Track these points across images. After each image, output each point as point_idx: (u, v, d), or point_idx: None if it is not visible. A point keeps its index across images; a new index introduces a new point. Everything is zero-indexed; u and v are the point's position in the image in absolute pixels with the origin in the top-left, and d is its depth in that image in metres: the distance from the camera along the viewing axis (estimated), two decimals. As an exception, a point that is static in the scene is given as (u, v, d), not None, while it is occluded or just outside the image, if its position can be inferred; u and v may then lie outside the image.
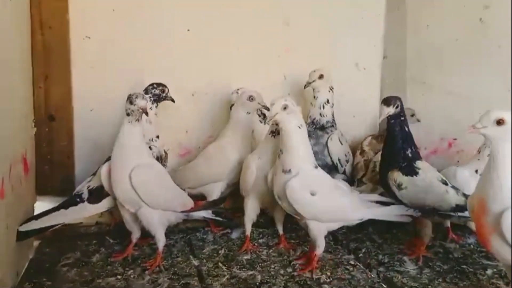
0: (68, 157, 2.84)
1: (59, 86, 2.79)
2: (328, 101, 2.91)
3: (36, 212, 2.59)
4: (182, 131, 3.05)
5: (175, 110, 2.92)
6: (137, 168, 2.20)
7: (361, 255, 2.46)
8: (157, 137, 2.64)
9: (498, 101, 2.69)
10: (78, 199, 2.42)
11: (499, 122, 1.66)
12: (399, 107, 2.32)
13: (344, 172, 2.95)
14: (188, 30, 3.04)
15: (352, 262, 2.38)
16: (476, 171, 2.48)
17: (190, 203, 2.41)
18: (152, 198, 2.25)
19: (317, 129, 2.90)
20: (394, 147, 2.35)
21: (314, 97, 2.94)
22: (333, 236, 2.70)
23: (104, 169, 2.29)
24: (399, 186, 2.31)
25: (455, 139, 2.97)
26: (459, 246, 2.54)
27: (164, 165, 2.64)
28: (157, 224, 2.28)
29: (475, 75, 2.85)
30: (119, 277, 2.17)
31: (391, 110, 2.30)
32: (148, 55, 2.97)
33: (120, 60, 2.92)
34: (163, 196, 2.31)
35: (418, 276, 2.21)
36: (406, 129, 2.36)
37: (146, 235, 2.40)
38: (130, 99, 2.21)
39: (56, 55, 2.78)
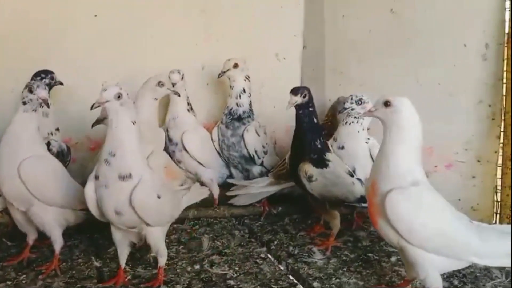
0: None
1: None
2: (244, 90, 2.86)
3: None
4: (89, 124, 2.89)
5: (83, 102, 2.74)
6: (26, 161, 2.02)
7: (273, 247, 2.43)
8: (57, 129, 2.48)
9: (409, 92, 2.73)
10: None
11: (387, 104, 1.74)
12: (307, 97, 2.29)
13: (262, 164, 2.92)
14: (96, 16, 2.88)
15: (262, 255, 2.34)
16: None
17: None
18: (45, 193, 2.09)
19: (234, 120, 2.85)
20: (303, 138, 2.33)
21: (230, 86, 2.89)
22: (249, 229, 2.67)
23: None
24: (310, 178, 2.29)
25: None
26: (368, 234, 2.56)
27: (67, 161, 2.49)
28: (52, 223, 2.12)
29: (387, 66, 2.88)
30: (9, 283, 2.01)
31: (298, 99, 2.26)
32: (51, 44, 2.81)
33: (21, 49, 2.73)
34: (58, 191, 2.14)
35: (325, 266, 2.21)
36: (315, 120, 2.34)
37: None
38: (29, 88, 2.06)
39: None
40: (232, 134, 2.83)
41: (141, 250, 2.25)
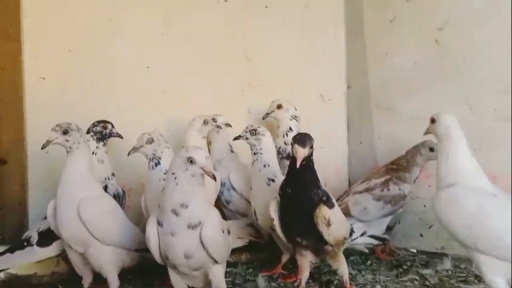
0: (20, 203, 2.69)
1: (11, 129, 2.70)
2: (291, 129, 2.87)
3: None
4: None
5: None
6: (85, 200, 2.05)
7: (332, 286, 2.29)
8: (113, 174, 2.53)
9: (462, 121, 2.64)
10: (25, 243, 2.27)
11: (433, 121, 2.05)
12: (312, 146, 2.03)
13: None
14: (148, 67, 3.01)
15: (322, 295, 2.22)
16: None
17: (141, 239, 2.22)
18: (104, 232, 2.09)
19: (283, 158, 2.82)
20: (309, 187, 2.06)
21: (277, 127, 2.90)
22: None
23: (50, 206, 2.14)
24: (329, 222, 2.03)
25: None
26: (435, 272, 2.41)
27: (122, 204, 2.51)
28: (109, 263, 2.11)
29: (436, 96, 2.82)
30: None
31: (306, 152, 1.99)
32: (105, 94, 2.91)
33: (76, 101, 2.85)
34: (116, 231, 2.15)
35: (392, 304, 2.06)
36: (313, 165, 2.08)
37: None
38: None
39: (8, 97, 2.71)
40: (283, 172, 2.79)
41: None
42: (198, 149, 1.86)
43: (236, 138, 2.50)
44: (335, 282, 2.35)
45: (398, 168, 2.74)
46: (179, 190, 1.81)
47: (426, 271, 2.44)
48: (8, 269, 2.23)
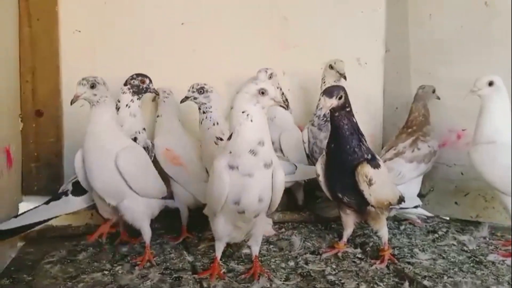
0: (56, 155, 2.70)
1: (47, 81, 2.68)
2: None
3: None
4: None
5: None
6: (123, 151, 2.03)
7: (368, 248, 2.28)
8: (144, 129, 2.49)
9: (508, 88, 2.54)
10: (62, 195, 2.28)
11: (491, 84, 2.21)
12: (343, 98, 2.03)
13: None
14: (182, 24, 2.95)
15: (359, 256, 2.20)
16: None
17: (166, 189, 2.31)
18: (141, 184, 2.09)
19: (328, 122, 2.73)
20: (349, 140, 2.04)
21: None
22: (337, 233, 2.53)
23: (77, 158, 2.09)
24: (370, 182, 2.00)
25: (464, 130, 2.81)
26: (474, 239, 2.36)
27: (151, 156, 2.49)
28: (143, 215, 2.12)
29: (483, 62, 2.70)
30: (106, 272, 2.00)
31: (334, 102, 2.00)
32: (139, 49, 2.87)
33: (111, 54, 2.82)
34: (150, 181, 2.16)
35: (432, 266, 2.04)
36: (354, 120, 2.08)
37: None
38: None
39: (44, 49, 2.68)
40: (326, 136, 2.72)
41: (233, 247, 2.18)
42: (266, 81, 1.81)
43: (183, 100, 2.38)
44: (370, 244, 2.33)
45: (419, 126, 2.68)
46: (255, 127, 1.74)
47: (463, 237, 2.40)
48: (46, 220, 2.22)
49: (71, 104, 2.10)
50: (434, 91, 2.76)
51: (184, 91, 2.45)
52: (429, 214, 2.53)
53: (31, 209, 2.26)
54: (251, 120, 1.74)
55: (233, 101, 1.83)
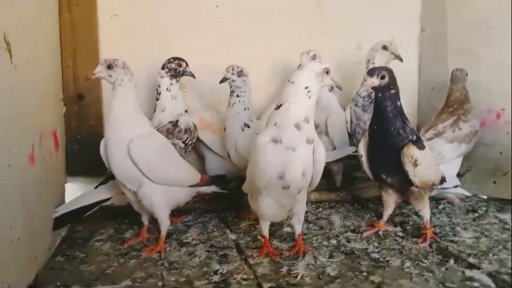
0: (97, 137, 2.75)
1: (87, 65, 2.73)
2: None
3: (67, 194, 2.54)
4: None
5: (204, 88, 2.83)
6: (136, 139, 2.00)
7: (408, 227, 2.30)
8: (186, 111, 2.53)
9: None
10: (109, 179, 2.33)
11: None
12: (386, 78, 2.02)
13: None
14: (217, 6, 2.96)
15: (400, 234, 2.22)
16: None
17: (197, 177, 2.24)
18: (156, 171, 2.04)
19: (372, 103, 2.70)
20: (393, 122, 2.04)
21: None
22: (375, 212, 2.55)
23: (101, 144, 2.10)
24: (415, 163, 2.00)
25: (503, 109, 2.76)
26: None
27: (193, 137, 2.52)
28: (161, 203, 2.08)
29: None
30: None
31: (375, 81, 2.01)
32: (176, 33, 2.91)
33: (148, 38, 2.87)
34: (168, 169, 2.11)
35: (475, 244, 2.04)
36: (399, 103, 2.06)
37: (179, 212, 2.29)
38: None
39: (83, 33, 2.75)
40: (370, 117, 2.69)
41: (274, 225, 2.22)
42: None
43: (222, 81, 2.38)
44: (410, 223, 2.35)
45: (460, 104, 2.65)
46: (308, 104, 1.80)
47: (504, 216, 2.40)
48: (98, 204, 2.29)
49: (85, 80, 2.12)
50: (467, 75, 2.71)
51: (217, 74, 2.46)
52: (468, 194, 2.53)
53: (82, 194, 2.34)
54: (309, 97, 1.79)
55: (293, 75, 1.85)
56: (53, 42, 2.56)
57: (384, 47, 2.71)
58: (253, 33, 3.03)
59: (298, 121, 1.79)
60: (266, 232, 2.00)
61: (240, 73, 2.36)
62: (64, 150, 2.64)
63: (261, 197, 1.90)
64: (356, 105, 2.77)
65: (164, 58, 2.61)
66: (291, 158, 1.79)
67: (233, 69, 2.36)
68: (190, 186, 2.23)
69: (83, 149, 2.75)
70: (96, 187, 2.37)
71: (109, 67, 2.04)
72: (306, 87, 1.79)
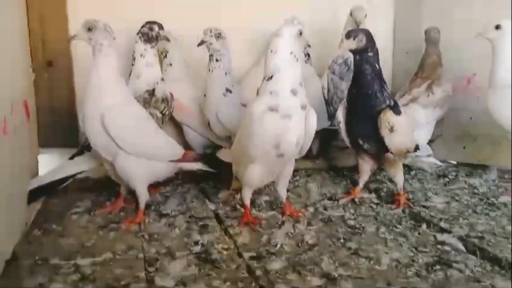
0: (69, 106, 2.70)
1: (56, 30, 2.63)
2: None
3: (40, 165, 2.49)
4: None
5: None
6: (110, 108, 1.94)
7: (382, 193, 2.36)
8: (162, 79, 2.46)
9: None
10: (85, 150, 2.28)
11: (497, 27, 2.21)
12: (363, 41, 2.00)
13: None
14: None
15: (375, 201, 2.29)
16: None
17: (180, 153, 2.19)
18: (130, 143, 1.99)
19: (349, 70, 2.67)
20: (371, 85, 2.04)
21: None
22: (351, 180, 2.60)
23: (80, 114, 2.06)
24: (392, 129, 2.02)
25: (474, 74, 2.82)
26: (484, 181, 2.48)
27: (170, 107, 2.49)
28: (137, 175, 2.03)
29: (500, 4, 2.65)
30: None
31: (351, 44, 2.00)
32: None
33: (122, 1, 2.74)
34: (144, 141, 2.05)
35: (446, 209, 2.12)
36: (377, 66, 2.06)
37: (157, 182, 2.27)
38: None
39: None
40: (348, 86, 2.68)
41: (253, 194, 2.22)
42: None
43: (200, 44, 2.33)
44: (384, 189, 2.41)
45: (433, 69, 2.69)
46: (299, 67, 1.83)
47: (473, 181, 2.49)
48: (73, 176, 2.25)
49: (68, 41, 2.06)
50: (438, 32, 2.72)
51: (194, 37, 2.40)
52: (440, 163, 2.59)
53: (57, 167, 2.28)
54: (297, 60, 1.81)
55: (272, 43, 1.83)
56: (18, 5, 2.44)
57: (351, 13, 2.70)
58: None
59: (294, 86, 1.81)
60: (248, 201, 2.02)
61: (219, 36, 2.31)
62: (36, 120, 2.56)
63: (252, 165, 1.91)
64: (333, 73, 2.76)
65: (138, 22, 2.53)
66: (287, 127, 1.82)
67: (210, 31, 2.31)
68: (173, 161, 2.18)
69: (55, 120, 2.67)
70: (71, 158, 2.31)
71: (89, 29, 1.96)
72: (291, 52, 1.80)
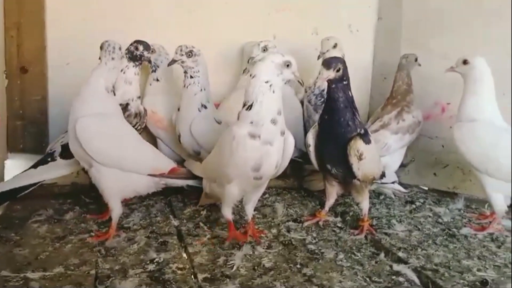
0: (41, 113, 2.69)
1: (32, 36, 2.62)
2: None
3: (7, 171, 2.47)
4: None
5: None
6: (84, 118, 1.96)
7: (348, 218, 2.37)
8: (138, 97, 2.46)
9: (498, 64, 2.54)
10: (49, 158, 2.27)
11: (465, 62, 2.29)
12: (340, 71, 2.03)
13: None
14: (174, -18, 2.87)
15: (339, 225, 2.29)
16: None
17: (164, 168, 2.13)
18: (102, 154, 1.97)
19: (324, 103, 2.67)
20: (343, 113, 2.06)
21: None
22: (320, 201, 2.61)
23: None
24: (361, 157, 2.04)
25: (448, 103, 2.85)
26: (449, 211, 2.49)
27: (143, 122, 2.49)
28: (109, 187, 2.00)
29: (476, 37, 2.70)
30: (93, 234, 2.05)
31: (331, 74, 2.02)
32: (131, 9, 2.81)
33: (100, 10, 2.75)
34: (120, 153, 2.02)
35: (407, 238, 2.13)
36: (350, 94, 2.09)
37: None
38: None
39: (29, 3, 2.60)
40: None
41: (218, 213, 2.24)
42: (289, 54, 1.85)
43: (170, 63, 2.35)
44: (351, 213, 2.42)
45: (402, 95, 2.72)
46: (276, 97, 1.82)
47: (439, 209, 2.51)
48: (35, 185, 2.23)
49: None
50: (416, 59, 2.77)
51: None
52: (404, 190, 2.59)
53: (19, 174, 2.27)
54: (273, 91, 1.81)
55: (253, 68, 1.85)
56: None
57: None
58: (211, 13, 2.97)
59: (273, 116, 1.82)
60: (229, 216, 2.01)
61: (190, 53, 2.31)
62: (5, 126, 2.55)
63: (230, 185, 1.92)
64: (309, 102, 2.80)
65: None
66: (269, 153, 1.84)
67: (181, 50, 2.31)
68: (155, 175, 2.12)
69: (26, 125, 2.65)
70: (34, 166, 2.29)
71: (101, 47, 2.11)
72: (267, 82, 1.80)
